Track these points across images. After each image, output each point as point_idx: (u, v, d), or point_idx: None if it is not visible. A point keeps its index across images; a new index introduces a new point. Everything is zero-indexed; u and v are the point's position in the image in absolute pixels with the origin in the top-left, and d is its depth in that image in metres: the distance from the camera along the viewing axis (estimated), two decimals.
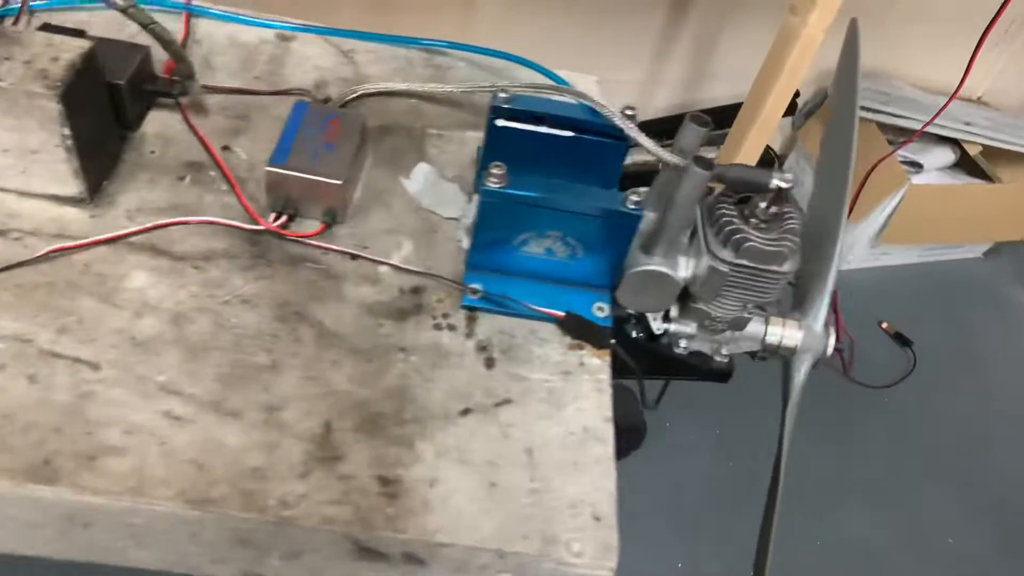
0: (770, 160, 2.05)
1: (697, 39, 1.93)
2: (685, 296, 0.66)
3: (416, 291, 0.62)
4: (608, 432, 0.58)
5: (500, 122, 0.64)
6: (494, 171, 0.57)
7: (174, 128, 0.68)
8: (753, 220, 0.63)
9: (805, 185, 2.10)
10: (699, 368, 0.72)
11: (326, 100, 0.72)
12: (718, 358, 0.71)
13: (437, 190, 0.69)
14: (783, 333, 0.71)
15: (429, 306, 0.62)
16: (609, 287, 0.65)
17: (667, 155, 0.63)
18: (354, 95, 0.73)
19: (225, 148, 0.68)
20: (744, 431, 1.57)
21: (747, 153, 1.52)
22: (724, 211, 0.63)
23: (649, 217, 0.64)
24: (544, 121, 0.64)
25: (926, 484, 1.60)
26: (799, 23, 1.34)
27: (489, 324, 0.62)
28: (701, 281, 0.65)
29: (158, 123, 0.68)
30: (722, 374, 0.74)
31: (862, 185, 1.80)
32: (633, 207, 0.59)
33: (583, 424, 0.57)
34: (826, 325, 0.73)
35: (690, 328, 0.70)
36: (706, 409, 1.63)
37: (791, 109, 2.02)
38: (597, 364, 0.61)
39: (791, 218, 0.64)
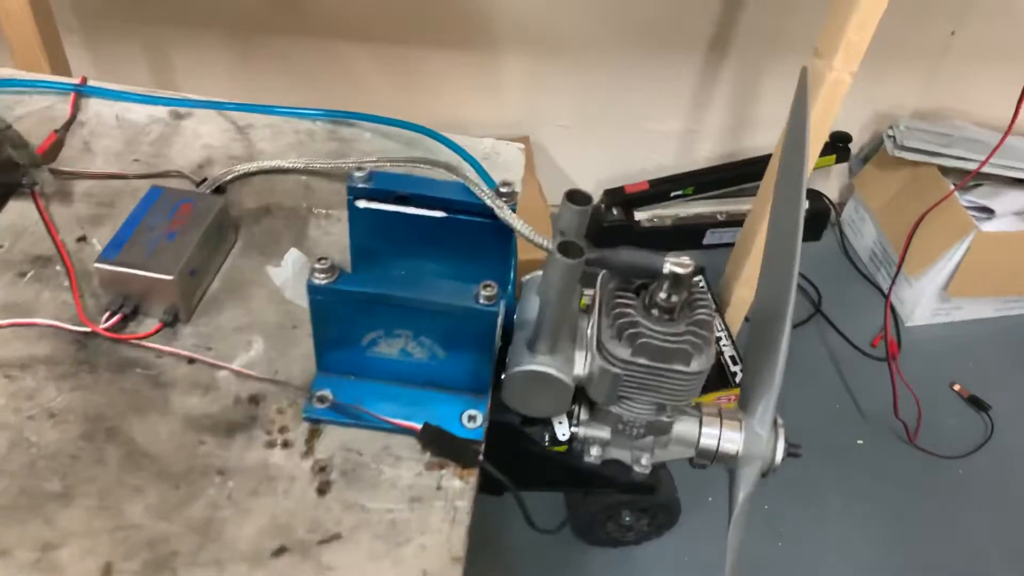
0: (825, 211, 1.90)
1: (736, 86, 1.82)
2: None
3: (255, 400, 0.54)
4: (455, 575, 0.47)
5: (361, 203, 0.56)
6: (319, 264, 0.49)
7: (30, 219, 0.63)
8: (655, 311, 0.52)
9: (864, 237, 1.94)
10: (615, 480, 0.61)
11: (201, 182, 0.66)
12: (637, 468, 0.60)
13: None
14: (721, 436, 0.60)
15: (266, 418, 0.53)
16: (485, 390, 0.55)
17: (538, 239, 0.53)
18: (232, 175, 0.67)
19: (81, 239, 0.62)
20: (799, 508, 1.42)
21: None
22: (621, 301, 0.53)
23: (535, 308, 0.54)
24: (410, 201, 0.56)
25: (1003, 569, 1.39)
26: (824, 66, 1.22)
27: (334, 439, 0.53)
28: (595, 382, 0.54)
29: (15, 213, 0.63)
30: (644, 487, 0.62)
31: (912, 233, 1.63)
32: (485, 302, 0.49)
33: (422, 567, 0.47)
34: (776, 426, 0.61)
35: (603, 433, 0.59)
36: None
37: (845, 155, 1.86)
38: (458, 487, 0.51)
39: (701, 307, 0.53)
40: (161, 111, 0.73)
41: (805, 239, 2.08)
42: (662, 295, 0.52)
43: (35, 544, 0.46)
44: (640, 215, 1.86)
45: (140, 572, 0.45)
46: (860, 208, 1.90)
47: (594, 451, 0.60)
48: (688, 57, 1.73)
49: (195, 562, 0.46)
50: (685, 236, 1.84)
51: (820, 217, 1.91)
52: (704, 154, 1.93)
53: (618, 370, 0.53)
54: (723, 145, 1.93)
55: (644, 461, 0.60)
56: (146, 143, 0.70)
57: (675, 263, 0.51)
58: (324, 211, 0.66)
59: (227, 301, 0.59)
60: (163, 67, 1.54)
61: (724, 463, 0.61)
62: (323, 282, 0.49)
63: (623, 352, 0.52)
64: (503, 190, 0.55)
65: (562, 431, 0.60)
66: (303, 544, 0.47)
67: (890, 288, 1.72)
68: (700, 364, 0.53)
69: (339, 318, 0.51)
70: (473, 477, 0.52)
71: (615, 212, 1.84)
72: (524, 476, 0.62)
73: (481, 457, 0.52)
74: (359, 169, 0.55)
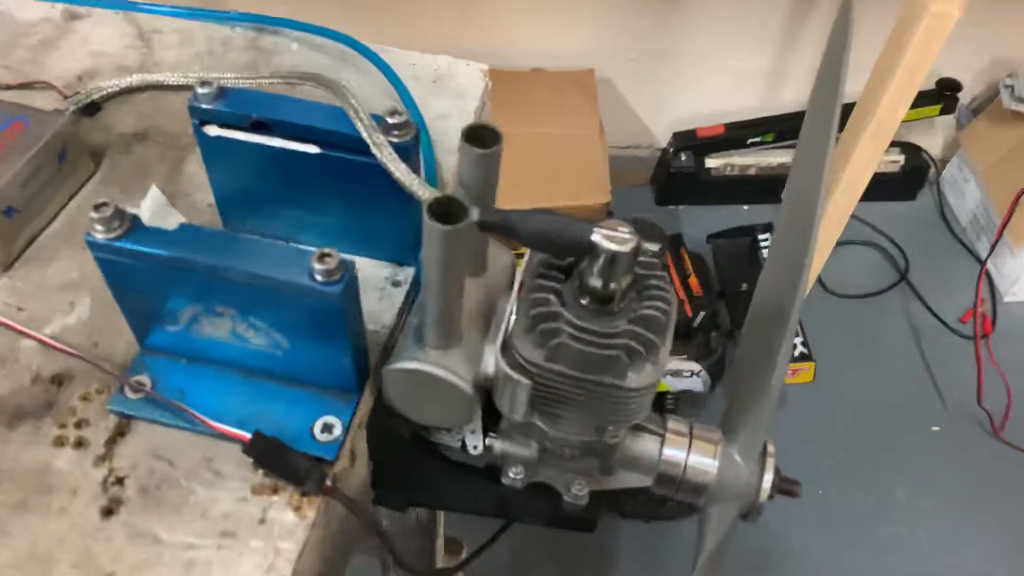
0: (923, 167, 1.65)
1: (830, 24, 1.58)
2: None
3: (58, 380, 0.42)
4: None
5: (211, 130, 0.42)
6: (96, 213, 0.35)
7: None
8: (585, 300, 0.37)
9: (966, 199, 1.68)
10: (538, 510, 0.47)
11: (71, 96, 0.53)
12: (568, 498, 0.45)
13: (166, 223, 0.48)
14: (688, 462, 0.45)
15: (65, 406, 0.41)
16: (352, 390, 0.42)
17: (422, 190, 0.38)
18: (108, 91, 0.54)
19: None
20: (857, 497, 1.25)
21: (858, 163, 1.18)
22: (542, 283, 0.38)
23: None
24: (274, 129, 0.42)
25: None
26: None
27: (144, 441, 0.40)
28: (498, 390, 0.40)
29: None
30: (577, 521, 0.47)
31: (1020, 196, 1.39)
32: (322, 279, 0.35)
33: None
34: (764, 455, 0.45)
35: (527, 451, 0.45)
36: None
37: (951, 105, 1.61)
38: (289, 522, 0.38)
39: (655, 298, 0.38)
40: (55, 10, 0.60)
41: (898, 198, 1.85)
42: (593, 280, 0.36)
43: None
44: (712, 162, 1.66)
45: None
46: (965, 167, 1.64)
47: (513, 472, 0.45)
48: None
49: None
50: (761, 188, 1.64)
51: (917, 174, 1.67)
52: (788, 98, 1.71)
53: (525, 379, 0.38)
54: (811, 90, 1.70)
55: (578, 490, 0.45)
56: (24, 47, 0.58)
57: (607, 235, 0.35)
58: None
59: (61, 250, 0.47)
60: None
61: (691, 497, 0.46)
62: (102, 237, 0.35)
63: (535, 355, 0.38)
64: (391, 120, 0.40)
65: (473, 442, 0.45)
66: None
67: (987, 257, 1.48)
68: (641, 379, 0.38)
69: (136, 286, 0.38)
70: (313, 510, 0.38)
71: (684, 157, 1.65)
72: (424, 494, 0.48)
73: (330, 483, 0.39)
74: (204, 84, 0.41)
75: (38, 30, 0.59)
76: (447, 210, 0.33)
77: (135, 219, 0.36)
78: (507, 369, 0.38)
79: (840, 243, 1.24)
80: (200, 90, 0.41)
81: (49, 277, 0.46)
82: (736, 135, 1.65)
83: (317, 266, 0.35)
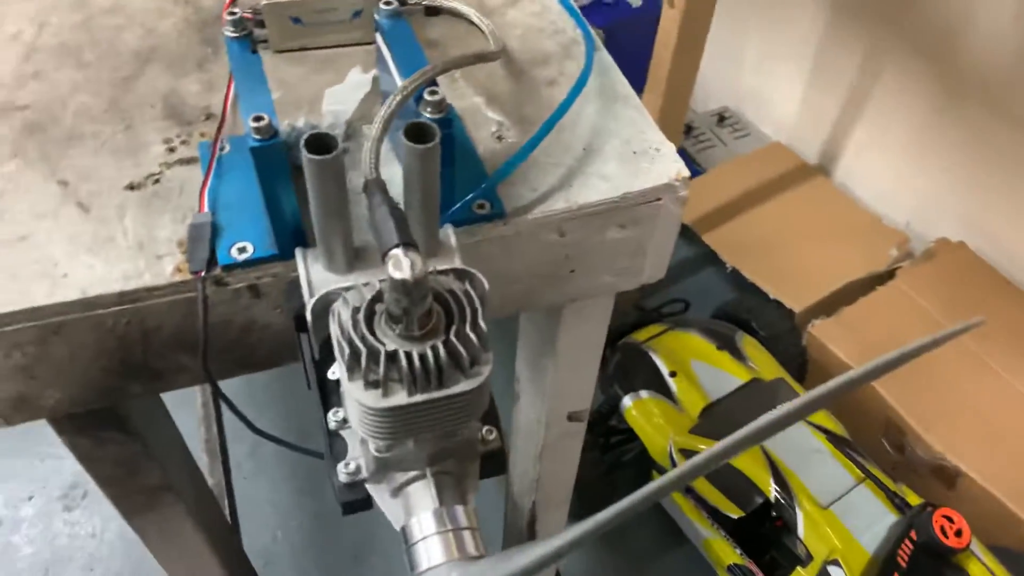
0: None
1: None
2: None
3: None
4: None
5: None
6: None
7: None
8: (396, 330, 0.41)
9: None
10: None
11: None
12: (341, 472, 0.49)
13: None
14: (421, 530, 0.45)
15: None
16: (276, 247, 0.50)
17: None
18: None
19: None
20: None
21: None
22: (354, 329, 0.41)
23: None
24: None
25: None
26: None
27: None
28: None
29: None
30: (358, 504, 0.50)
31: None
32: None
33: None
34: None
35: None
36: None
37: None
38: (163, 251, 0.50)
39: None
40: None
41: None
42: (389, 294, 0.40)
43: None
44: None
45: None
46: None
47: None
48: None
49: None
50: None
51: None
52: None
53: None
54: None
55: (346, 467, 0.48)
56: None
57: (395, 260, 0.39)
58: None
59: None
60: None
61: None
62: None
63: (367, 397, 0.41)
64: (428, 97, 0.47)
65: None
66: None
67: None
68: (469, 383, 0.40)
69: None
70: (182, 277, 0.49)
71: None
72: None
73: (207, 280, 0.49)
74: None
75: None
76: (320, 143, 0.40)
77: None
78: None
79: None
80: None
81: None
82: None
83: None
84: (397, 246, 0.39)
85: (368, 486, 0.48)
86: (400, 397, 0.41)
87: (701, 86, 2.15)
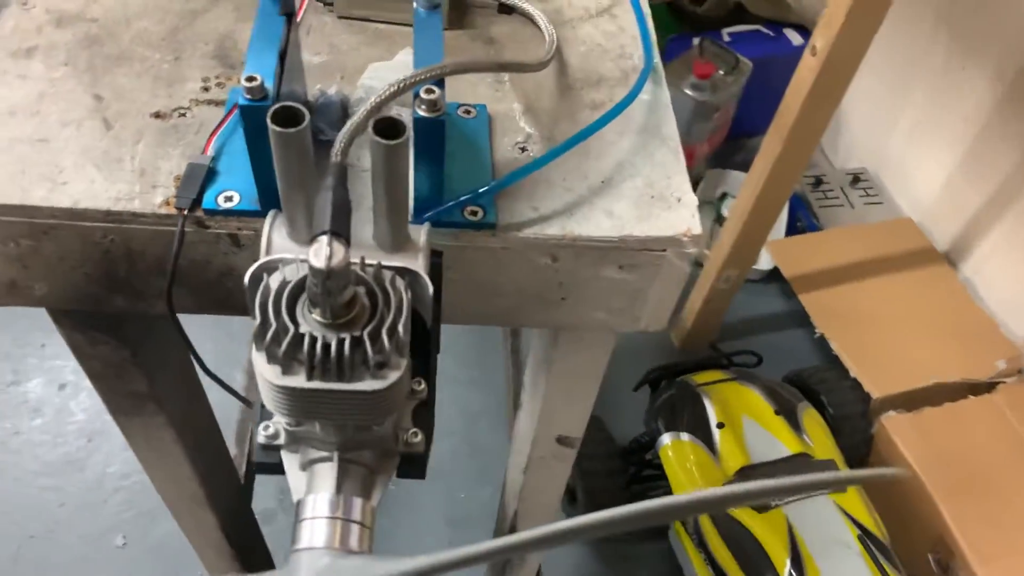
0: None
1: None
2: None
3: None
4: None
5: None
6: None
7: None
8: (316, 316, 0.41)
9: None
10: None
11: None
12: (260, 433, 0.50)
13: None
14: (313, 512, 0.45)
15: None
16: (261, 205, 0.51)
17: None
18: None
19: None
20: None
21: None
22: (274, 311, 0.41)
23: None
24: None
25: None
26: None
27: None
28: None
29: None
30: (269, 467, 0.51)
31: None
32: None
33: None
34: None
35: None
36: None
37: None
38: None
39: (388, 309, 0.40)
40: None
41: None
42: (308, 279, 0.40)
43: None
44: None
45: None
46: None
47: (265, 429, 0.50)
48: None
49: None
50: None
51: None
52: None
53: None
54: None
55: (266, 430, 0.49)
56: None
57: (317, 247, 0.38)
58: None
59: None
60: None
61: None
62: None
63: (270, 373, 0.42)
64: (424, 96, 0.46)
65: None
66: None
67: None
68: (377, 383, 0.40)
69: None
70: (167, 212, 0.51)
71: None
72: None
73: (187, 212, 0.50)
74: None
75: None
76: (289, 115, 0.41)
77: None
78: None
79: None
80: None
81: None
82: None
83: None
84: (324, 233, 0.39)
85: (284, 453, 0.49)
86: (298, 379, 0.41)
87: (844, 141, 2.05)
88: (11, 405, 1.50)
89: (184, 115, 0.56)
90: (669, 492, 1.33)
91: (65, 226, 0.51)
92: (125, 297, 0.56)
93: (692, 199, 0.56)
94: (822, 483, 0.33)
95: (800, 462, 1.29)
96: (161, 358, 0.71)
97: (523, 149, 0.58)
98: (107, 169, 0.52)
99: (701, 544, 1.27)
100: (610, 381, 1.68)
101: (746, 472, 1.27)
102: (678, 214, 0.55)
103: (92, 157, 0.53)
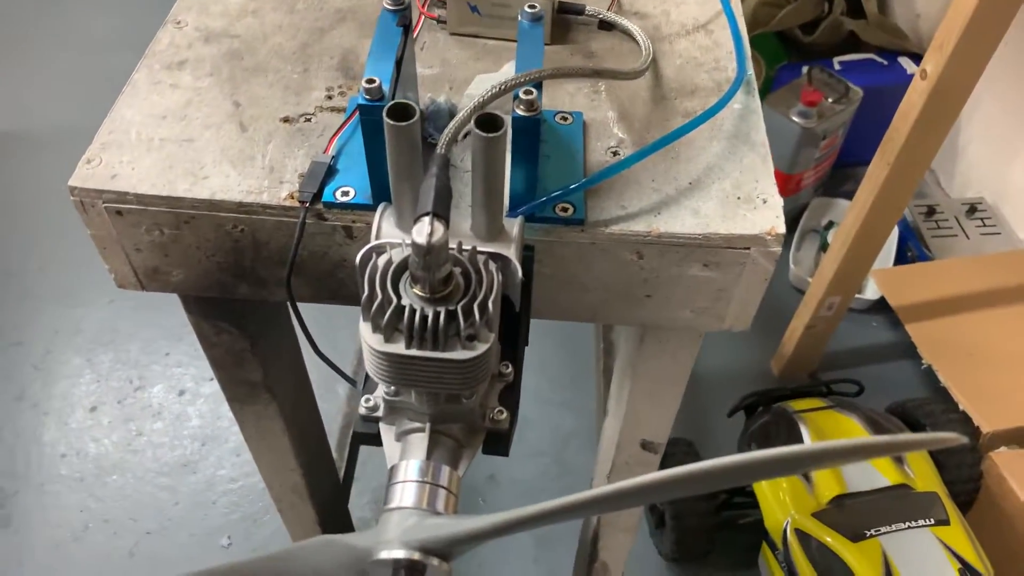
0: None
1: None
2: None
3: None
4: None
5: None
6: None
7: None
8: (416, 290, 0.46)
9: None
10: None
11: None
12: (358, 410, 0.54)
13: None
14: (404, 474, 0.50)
15: None
16: (371, 198, 0.57)
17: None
18: None
19: None
20: None
21: None
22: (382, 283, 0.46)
23: None
24: None
25: None
26: None
27: None
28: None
29: None
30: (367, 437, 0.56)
31: None
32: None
33: None
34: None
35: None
36: None
37: None
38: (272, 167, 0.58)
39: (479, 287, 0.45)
40: None
41: None
42: (411, 255, 0.45)
43: None
44: None
45: None
46: None
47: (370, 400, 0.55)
48: None
49: None
50: None
51: None
52: None
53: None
54: None
55: (367, 403, 0.54)
56: None
57: (420, 226, 0.43)
58: None
59: None
60: None
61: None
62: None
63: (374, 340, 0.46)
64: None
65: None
66: None
67: None
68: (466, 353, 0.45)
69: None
70: (292, 203, 0.57)
71: None
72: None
73: (305, 205, 0.56)
74: None
75: None
76: (402, 111, 0.46)
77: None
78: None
79: None
80: None
81: None
82: None
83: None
84: (427, 214, 0.44)
85: (381, 425, 0.53)
86: (398, 346, 0.45)
87: (960, 170, 1.99)
88: (136, 408, 1.62)
89: (309, 120, 0.63)
90: (760, 520, 1.32)
91: (203, 216, 0.58)
92: (250, 285, 0.63)
93: (778, 201, 0.58)
94: (851, 451, 0.35)
95: (899, 493, 1.26)
96: (276, 349, 0.77)
97: (615, 153, 0.62)
98: (241, 166, 0.59)
99: (791, 573, 1.25)
100: (704, 405, 1.68)
101: (840, 501, 1.25)
102: (763, 215, 0.58)
103: (229, 155, 0.60)
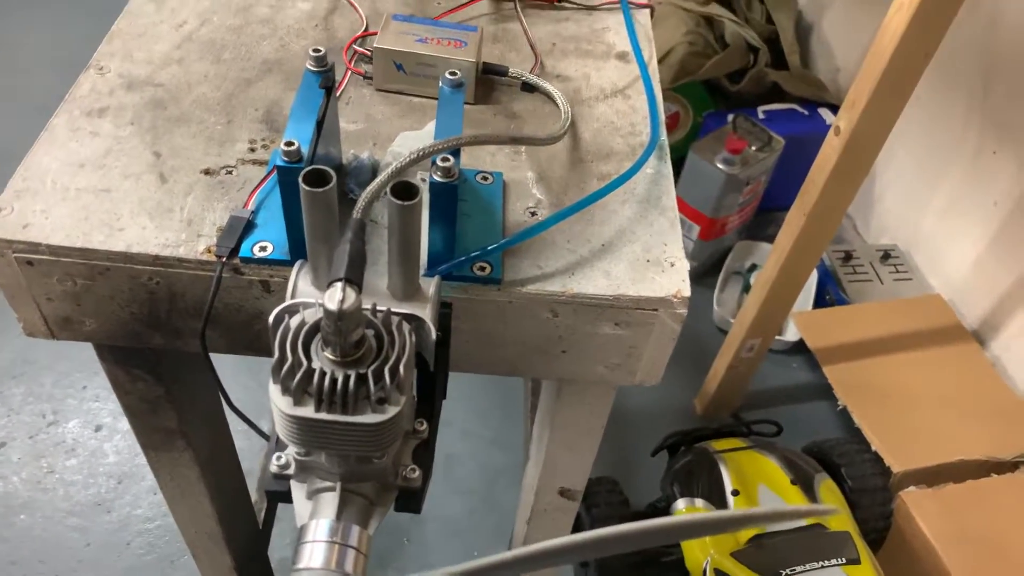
0: None
1: None
2: None
3: None
4: None
5: None
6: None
7: None
8: (328, 354, 0.47)
9: None
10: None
11: None
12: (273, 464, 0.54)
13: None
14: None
15: None
16: (290, 256, 0.57)
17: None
18: None
19: None
20: None
21: None
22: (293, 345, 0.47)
23: None
24: None
25: None
26: None
27: None
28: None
29: None
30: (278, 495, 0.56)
31: None
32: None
33: None
34: None
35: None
36: None
37: None
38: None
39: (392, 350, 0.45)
40: None
41: None
42: (323, 320, 0.45)
43: None
44: None
45: None
46: None
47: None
48: None
49: None
50: None
51: None
52: None
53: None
54: None
55: (278, 460, 0.54)
56: None
57: (332, 291, 0.44)
58: None
59: None
60: None
61: None
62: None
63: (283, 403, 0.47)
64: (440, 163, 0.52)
65: None
66: None
67: None
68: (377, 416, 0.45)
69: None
70: (209, 258, 0.57)
71: None
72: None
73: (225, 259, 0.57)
74: None
75: None
76: (319, 177, 0.47)
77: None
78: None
79: None
80: None
81: None
82: None
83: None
84: (339, 280, 0.44)
85: (292, 483, 0.54)
86: (307, 410, 0.46)
87: (876, 218, 2.07)
88: (49, 444, 1.57)
89: (231, 172, 0.63)
90: (681, 558, 1.34)
91: (118, 268, 0.58)
92: (164, 335, 0.62)
93: (684, 265, 0.61)
94: (761, 517, 0.37)
95: (814, 533, 1.30)
96: (191, 397, 0.76)
97: (533, 213, 0.63)
98: (159, 218, 0.59)
99: None
100: (630, 444, 1.70)
101: (759, 540, 1.28)
102: (670, 278, 0.60)
103: (147, 207, 0.60)
